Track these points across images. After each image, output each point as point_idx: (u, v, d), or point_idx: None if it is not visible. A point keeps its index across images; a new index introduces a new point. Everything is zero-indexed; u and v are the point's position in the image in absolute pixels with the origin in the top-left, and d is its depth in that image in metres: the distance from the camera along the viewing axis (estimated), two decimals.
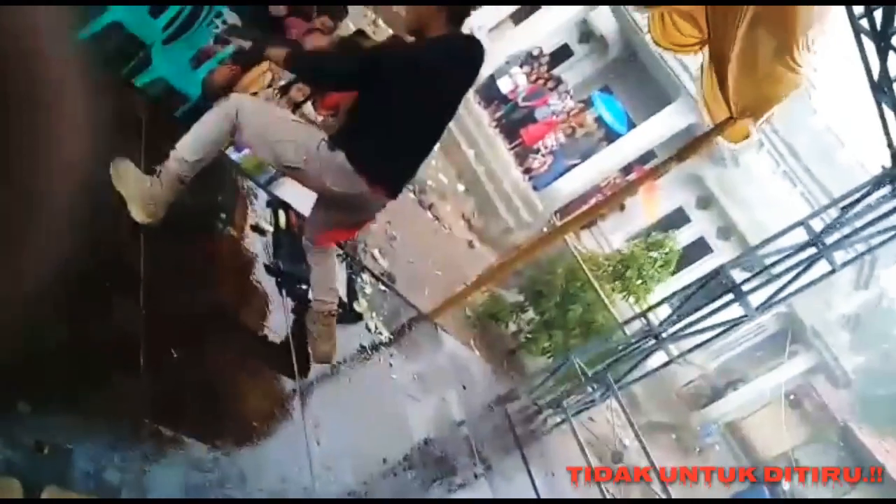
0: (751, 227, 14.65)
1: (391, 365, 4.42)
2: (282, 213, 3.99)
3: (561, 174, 13.33)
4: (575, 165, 13.43)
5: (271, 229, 3.84)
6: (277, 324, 3.47)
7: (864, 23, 4.52)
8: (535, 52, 14.83)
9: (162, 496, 2.28)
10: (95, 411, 2.25)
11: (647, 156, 14.87)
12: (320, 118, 6.25)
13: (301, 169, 2.93)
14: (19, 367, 2.07)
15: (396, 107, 2.85)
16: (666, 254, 10.02)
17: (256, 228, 3.75)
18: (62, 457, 2.04)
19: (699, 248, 15.55)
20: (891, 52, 4.71)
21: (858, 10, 4.55)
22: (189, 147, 2.93)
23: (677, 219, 15.79)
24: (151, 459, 2.30)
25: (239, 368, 3.12)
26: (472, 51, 3.04)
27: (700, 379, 16.76)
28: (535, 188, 13.06)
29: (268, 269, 3.65)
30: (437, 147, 3.60)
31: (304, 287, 3.81)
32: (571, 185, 13.33)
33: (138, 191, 2.89)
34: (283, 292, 3.65)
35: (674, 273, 11.25)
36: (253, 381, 3.16)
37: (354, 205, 3.04)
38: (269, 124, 3.00)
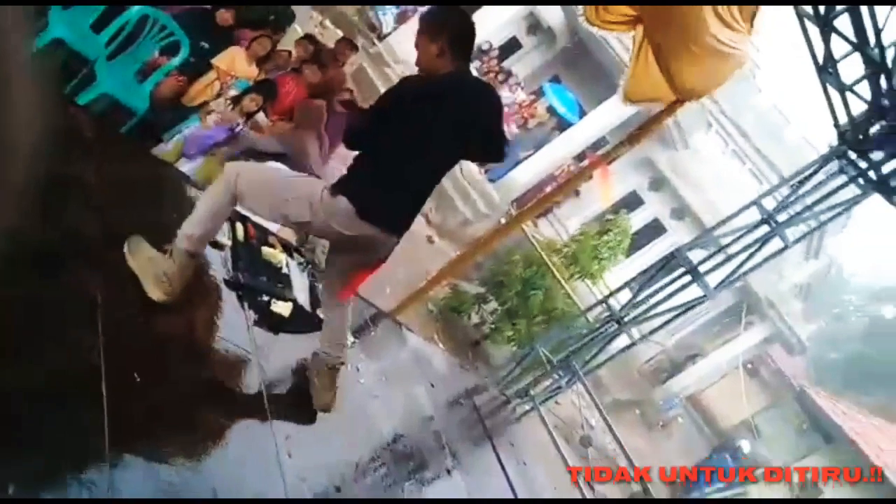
0: (703, 206, 14.98)
1: (358, 369, 4.42)
2: (239, 226, 3.94)
3: (515, 165, 13.41)
4: (529, 156, 13.53)
5: (229, 243, 3.80)
6: (241, 339, 3.44)
7: (808, 7, 4.65)
8: (485, 47, 14.88)
9: None
10: (59, 445, 2.22)
11: (600, 142, 15.06)
12: (271, 124, 6.23)
13: (310, 222, 2.95)
14: None
15: (397, 149, 2.91)
16: (618, 234, 10.20)
17: (214, 244, 3.70)
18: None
19: (654, 230, 15.84)
20: (833, 35, 4.86)
21: None
22: (194, 223, 2.94)
23: (631, 202, 16.04)
24: (118, 486, 2.27)
25: (204, 386, 3.10)
26: (476, 92, 3.12)
27: (660, 355, 17.11)
28: (490, 180, 13.12)
29: (228, 283, 3.62)
30: None
31: (265, 299, 3.79)
32: (526, 175, 13.42)
33: (151, 268, 2.90)
34: (245, 306, 3.63)
35: (630, 254, 11.47)
36: (219, 397, 3.14)
37: (367, 246, 3.07)
38: (271, 187, 3.03)
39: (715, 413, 19.24)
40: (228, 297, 3.60)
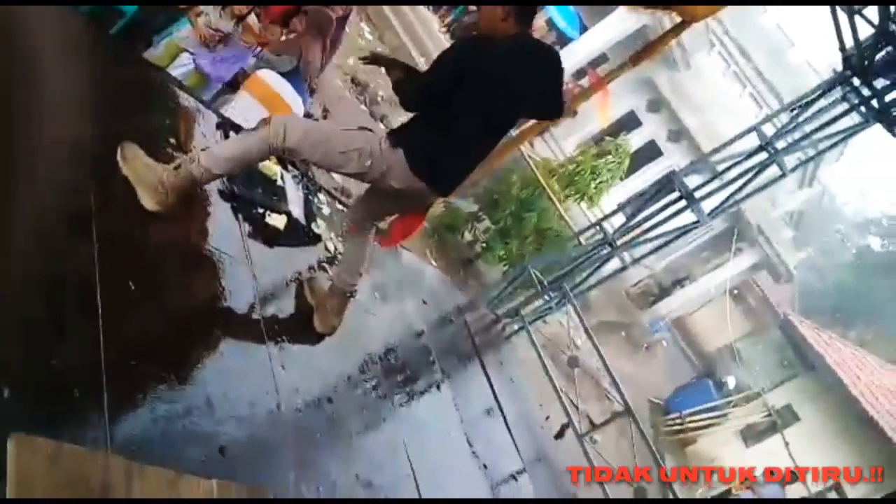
0: (701, 129, 14.83)
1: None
2: (233, 136, 3.85)
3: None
4: None
5: None
6: (235, 250, 3.41)
7: None
8: None
9: (129, 431, 2.28)
10: (56, 356, 2.21)
11: (600, 59, 14.75)
12: (264, 27, 6.02)
13: (366, 172, 2.96)
14: None
15: (460, 109, 2.91)
16: (618, 154, 10.11)
17: None
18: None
19: (650, 151, 15.70)
20: None
21: None
22: (217, 160, 2.87)
23: (629, 122, 15.85)
24: (113, 398, 2.28)
25: (199, 297, 3.09)
26: (539, 58, 3.07)
27: (648, 278, 17.28)
28: None
29: (222, 194, 3.56)
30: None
31: (259, 211, 3.74)
32: None
33: (148, 177, 2.79)
34: (240, 218, 3.58)
35: (626, 176, 11.39)
36: (214, 308, 3.13)
37: (412, 197, 3.13)
38: (324, 141, 2.96)
39: (699, 337, 19.62)
40: (223, 208, 3.55)
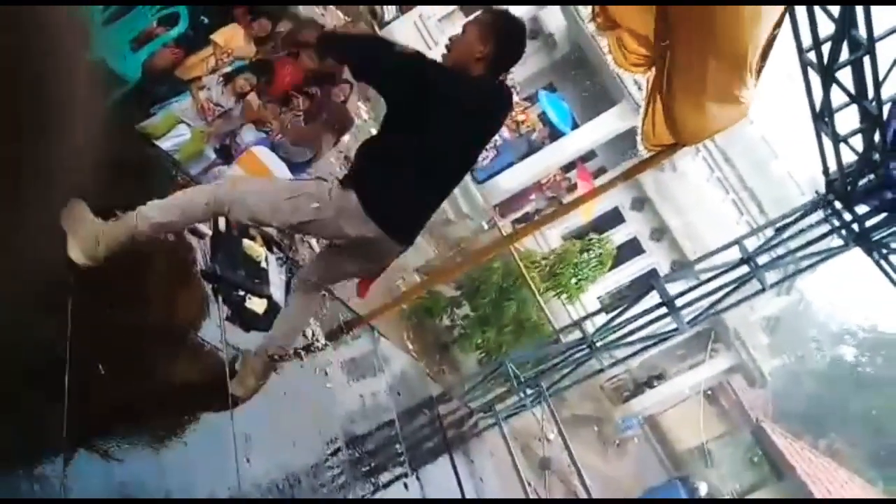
0: (683, 231, 15.07)
1: (326, 373, 4.36)
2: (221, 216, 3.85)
3: (503, 169, 13.38)
4: (518, 161, 13.50)
5: (210, 232, 3.70)
6: (212, 335, 3.36)
7: (812, 56, 4.65)
8: None
9: None
10: (15, 435, 2.14)
11: (589, 154, 15.08)
12: (265, 107, 6.10)
13: (315, 220, 2.74)
14: None
15: (416, 147, 2.72)
16: (600, 255, 10.20)
17: (195, 232, 3.61)
18: None
19: (632, 248, 15.87)
20: (833, 85, 4.87)
21: (806, 43, 4.67)
22: (161, 209, 2.71)
23: (612, 218, 16.08)
24: (70, 483, 2.20)
25: (169, 383, 3.02)
26: (503, 100, 2.97)
27: (623, 374, 17.21)
28: (476, 181, 13.08)
29: (204, 274, 3.53)
30: None
31: (240, 294, 3.71)
32: (513, 180, 13.41)
33: (85, 230, 2.63)
34: (220, 299, 3.54)
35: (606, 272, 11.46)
36: (184, 394, 3.06)
37: (368, 250, 2.90)
38: (270, 192, 2.84)
39: (671, 436, 19.45)
40: (203, 289, 3.51)
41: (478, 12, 2.92)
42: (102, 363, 2.58)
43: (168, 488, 2.59)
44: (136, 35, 5.21)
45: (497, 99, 2.89)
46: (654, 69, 5.03)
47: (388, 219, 2.74)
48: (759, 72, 4.58)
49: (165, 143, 5.20)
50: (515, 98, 14.33)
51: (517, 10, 14.06)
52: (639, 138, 4.97)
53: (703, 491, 14.32)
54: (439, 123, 2.67)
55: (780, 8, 4.03)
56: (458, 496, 5.35)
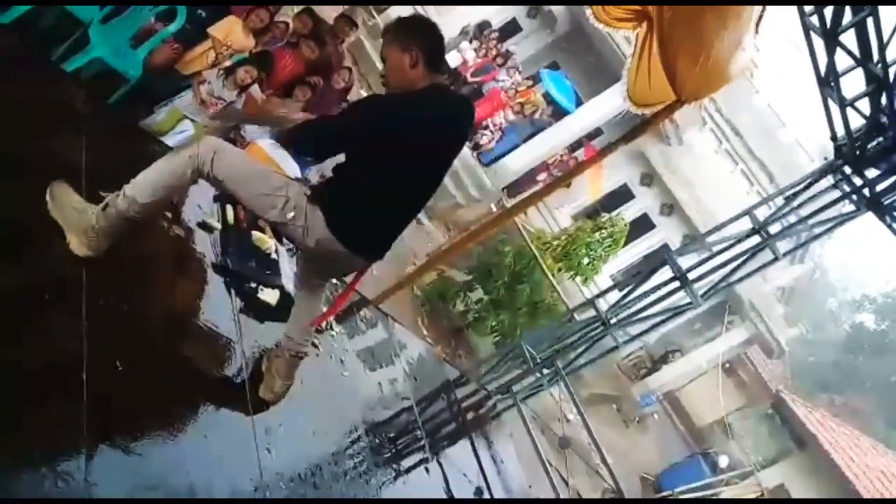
0: (693, 204, 14.98)
1: (342, 361, 4.37)
2: (230, 209, 3.85)
3: (509, 150, 13.31)
4: (523, 142, 13.42)
5: (219, 226, 3.71)
6: (226, 327, 3.37)
7: (814, 19, 4.58)
8: (485, 27, 14.69)
9: None
10: (38, 434, 2.16)
11: (595, 132, 14.98)
12: (265, 98, 6.09)
13: (286, 224, 2.73)
14: None
15: (380, 167, 2.71)
16: (613, 234, 10.15)
17: (204, 225, 3.61)
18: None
19: (643, 224, 15.79)
20: (837, 49, 4.80)
21: (808, 7, 4.61)
22: (144, 188, 2.64)
23: (622, 195, 15.99)
24: (94, 479, 2.21)
25: (187, 376, 3.03)
26: (460, 111, 2.95)
27: (640, 351, 17.18)
28: (483, 164, 13.02)
29: (216, 268, 3.54)
30: None
31: (252, 286, 3.71)
32: (519, 161, 13.32)
33: (77, 221, 2.62)
34: (232, 292, 3.55)
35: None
36: (202, 387, 3.07)
37: (336, 262, 2.93)
38: (250, 177, 2.75)
39: (690, 411, 19.41)
40: (216, 282, 3.52)
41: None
42: (119, 359, 2.59)
43: (190, 481, 2.60)
44: (134, 32, 5.20)
45: (448, 108, 2.87)
46: (643, 25, 4.97)
47: (354, 238, 2.77)
48: (758, 21, 4.52)
49: (170, 140, 5.20)
50: (518, 78, 14.26)
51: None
52: (623, 96, 4.90)
53: (723, 463, 14.33)
54: (394, 149, 2.69)
55: None
56: (480, 479, 5.36)
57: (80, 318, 2.50)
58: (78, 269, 2.62)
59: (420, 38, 2.79)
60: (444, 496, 4.85)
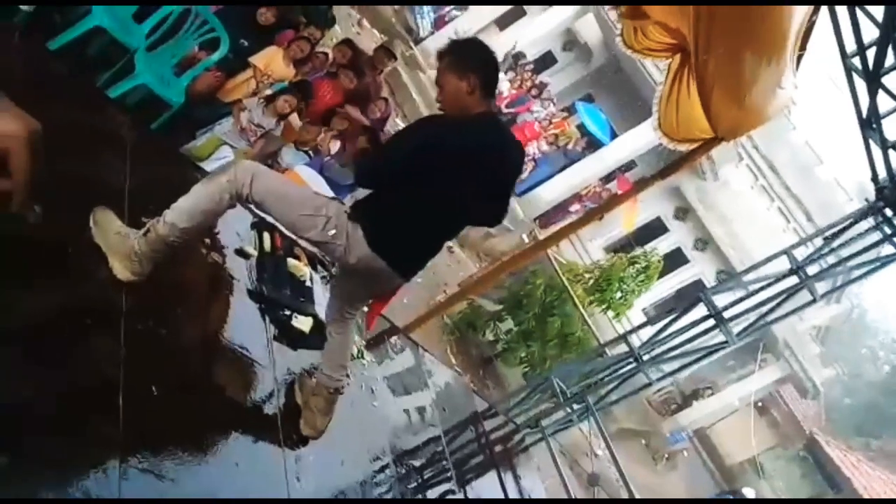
0: (728, 240, 14.83)
1: (373, 391, 4.37)
2: (266, 236, 3.90)
3: (542, 181, 13.33)
4: (556, 173, 13.44)
5: (255, 253, 3.75)
6: (260, 355, 3.39)
7: (856, 61, 4.54)
8: (521, 59, 14.79)
9: None
10: (73, 458, 2.18)
11: (629, 164, 14.95)
12: (305, 128, 6.19)
13: (327, 243, 2.77)
14: None
15: (425, 186, 2.75)
16: (646, 268, 10.06)
17: (241, 252, 3.66)
18: None
19: (676, 258, 15.66)
20: (880, 91, 4.74)
21: (850, 48, 4.57)
22: (183, 214, 2.69)
23: (655, 228, 15.90)
24: None
25: (220, 403, 3.05)
26: (509, 141, 2.99)
27: (670, 386, 16.93)
28: (515, 194, 13.04)
29: (251, 294, 3.57)
30: None
31: (286, 313, 3.74)
32: (552, 192, 13.35)
33: (120, 246, 2.67)
34: (266, 319, 3.58)
35: None
36: (234, 414, 3.09)
37: (373, 278, 2.95)
38: (288, 199, 2.80)
39: (721, 449, 19.03)
40: (251, 309, 3.55)
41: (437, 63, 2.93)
42: (155, 384, 2.62)
43: None
44: (178, 60, 5.32)
45: (498, 138, 2.91)
46: (676, 57, 4.93)
47: (393, 255, 2.80)
48: (797, 61, 4.47)
49: (210, 166, 5.28)
50: (553, 110, 14.31)
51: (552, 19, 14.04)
52: (654, 125, 4.87)
53: (749, 495, 13.88)
54: (442, 170, 2.72)
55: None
56: None
57: (118, 343, 2.54)
58: (118, 294, 2.66)
59: (477, 64, 2.82)
60: None
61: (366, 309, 3.94)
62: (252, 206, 2.90)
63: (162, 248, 2.70)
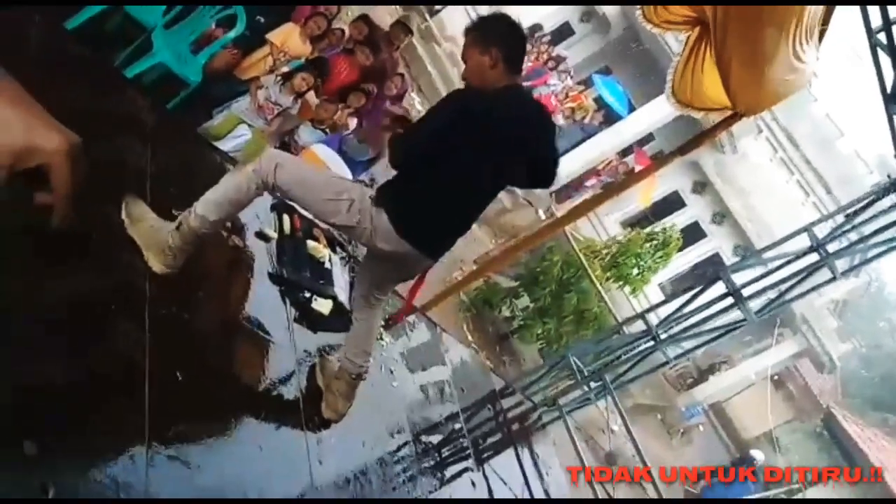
0: (745, 213, 14.72)
1: (392, 372, 4.39)
2: (286, 217, 3.90)
3: (559, 155, 13.23)
4: (573, 147, 13.33)
5: (275, 236, 3.76)
6: (281, 337, 3.41)
7: (882, 37, 4.45)
8: (537, 30, 14.63)
9: None
10: (100, 444, 2.21)
11: (647, 138, 14.80)
12: (321, 106, 6.16)
13: (353, 227, 2.79)
14: (24, 404, 2.03)
15: (450, 165, 2.74)
16: (665, 244, 10.00)
17: (261, 235, 3.67)
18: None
19: (694, 233, 15.56)
20: None
21: (876, 23, 4.48)
22: (212, 206, 2.74)
23: (673, 202, 15.79)
24: (154, 489, 2.26)
25: (244, 387, 3.08)
26: (534, 112, 2.97)
27: (686, 361, 16.90)
28: None
29: (271, 277, 3.59)
30: None
31: (306, 296, 3.75)
32: (569, 166, 13.23)
33: (154, 240, 2.73)
34: (287, 302, 3.59)
35: None
36: (257, 398, 3.12)
37: (401, 261, 2.95)
38: (313, 184, 2.83)
39: (737, 423, 19.03)
40: (272, 292, 3.57)
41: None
42: (180, 370, 2.65)
43: (245, 491, 2.65)
44: (195, 38, 5.30)
45: (521, 109, 2.89)
46: (695, 30, 4.84)
47: (421, 238, 2.80)
48: (821, 35, 4.39)
49: (227, 144, 5.30)
50: (570, 83, 14.16)
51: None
52: (667, 92, 4.80)
53: (759, 458, 13.87)
54: (463, 143, 2.72)
55: None
56: (524, 490, 5.34)
57: (143, 329, 2.56)
58: (142, 280, 2.68)
59: (500, 38, 2.82)
60: None
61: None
62: (278, 194, 2.93)
63: (193, 241, 2.76)
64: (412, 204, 2.79)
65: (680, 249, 13.54)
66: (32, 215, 0.79)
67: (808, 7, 4.32)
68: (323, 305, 3.80)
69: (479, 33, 2.86)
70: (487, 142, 2.74)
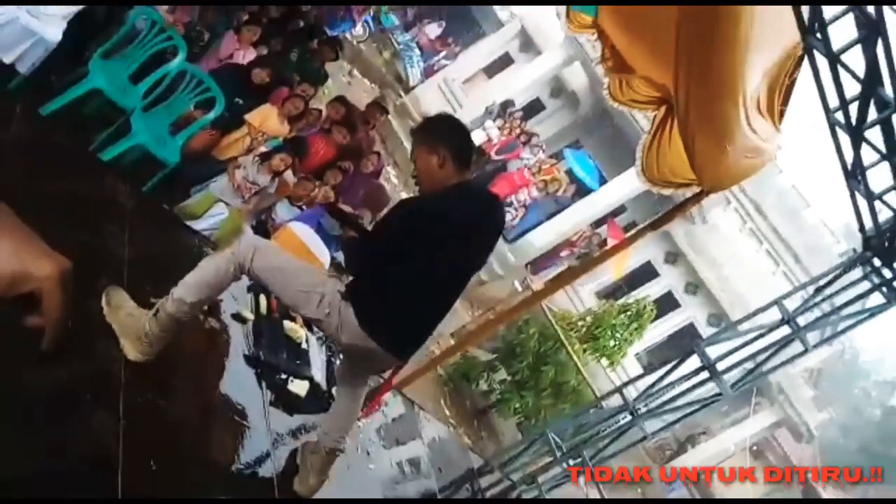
0: (718, 283, 14.89)
1: (368, 453, 4.33)
2: (263, 298, 3.90)
3: (532, 227, 13.41)
4: (548, 218, 13.52)
5: (252, 317, 3.75)
6: (257, 422, 3.37)
7: (839, 116, 4.62)
8: (509, 106, 15.01)
9: None
10: None
11: (618, 209, 15.06)
12: (299, 184, 6.24)
13: (322, 321, 2.81)
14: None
15: (411, 265, 2.77)
16: (639, 316, 10.07)
17: (238, 317, 3.66)
18: None
19: (668, 303, 15.69)
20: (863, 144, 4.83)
21: (833, 103, 4.65)
22: (190, 289, 2.75)
23: (646, 273, 15.95)
24: None
25: (217, 472, 3.02)
26: (486, 206, 3.03)
27: (666, 433, 16.77)
28: (506, 240, 13.10)
29: (247, 359, 3.56)
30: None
31: (282, 377, 3.72)
32: (543, 238, 13.41)
33: (132, 327, 2.73)
34: (263, 385, 3.56)
35: None
36: (230, 480, 3.06)
37: (368, 360, 2.97)
38: (287, 275, 2.87)
39: (718, 494, 18.81)
40: (247, 375, 3.54)
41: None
42: (154, 458, 2.60)
43: None
44: (174, 119, 5.38)
45: (474, 207, 2.94)
46: (662, 109, 5.01)
47: (384, 335, 2.80)
48: (781, 115, 4.56)
49: (203, 223, 5.32)
50: (541, 156, 14.46)
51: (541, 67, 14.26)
52: (637, 169, 4.91)
53: None
54: (425, 248, 2.77)
55: (783, 43, 4.04)
56: None
57: (117, 417, 2.53)
58: (117, 367, 2.66)
59: (446, 138, 2.90)
60: None
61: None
62: (254, 278, 2.94)
63: (171, 327, 2.76)
64: (376, 302, 2.80)
65: (654, 320, 13.65)
66: (22, 339, 0.81)
67: (748, 78, 4.51)
68: (299, 387, 3.77)
69: (424, 134, 2.96)
70: (442, 240, 2.78)
